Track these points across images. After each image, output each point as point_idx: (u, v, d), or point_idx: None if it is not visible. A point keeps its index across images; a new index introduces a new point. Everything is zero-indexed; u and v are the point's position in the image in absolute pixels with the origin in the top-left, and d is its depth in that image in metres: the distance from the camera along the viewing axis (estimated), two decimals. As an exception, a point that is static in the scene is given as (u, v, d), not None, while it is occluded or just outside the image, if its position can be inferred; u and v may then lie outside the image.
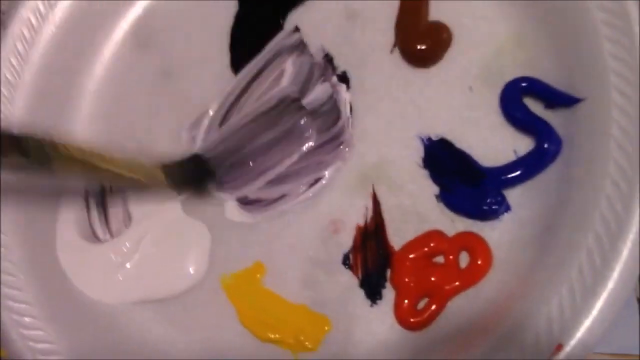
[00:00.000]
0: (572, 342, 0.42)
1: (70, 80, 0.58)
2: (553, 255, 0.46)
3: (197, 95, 0.56)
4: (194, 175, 0.55)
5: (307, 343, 0.50)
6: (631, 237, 0.43)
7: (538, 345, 0.43)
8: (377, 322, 0.50)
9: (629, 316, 0.56)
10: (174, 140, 0.56)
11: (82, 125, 0.58)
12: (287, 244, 0.52)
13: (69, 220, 0.56)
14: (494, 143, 0.50)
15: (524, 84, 0.50)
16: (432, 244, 0.49)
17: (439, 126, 0.52)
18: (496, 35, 0.52)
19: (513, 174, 0.49)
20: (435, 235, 0.50)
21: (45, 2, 0.57)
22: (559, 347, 0.42)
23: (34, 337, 0.51)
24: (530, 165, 0.49)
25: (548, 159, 0.48)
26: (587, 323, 0.42)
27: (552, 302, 0.44)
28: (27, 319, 0.52)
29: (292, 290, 0.52)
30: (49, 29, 0.58)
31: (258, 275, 0.52)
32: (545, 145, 0.48)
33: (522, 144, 0.50)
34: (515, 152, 0.49)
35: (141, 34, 0.59)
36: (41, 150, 0.43)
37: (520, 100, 0.50)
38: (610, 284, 0.42)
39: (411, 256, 0.49)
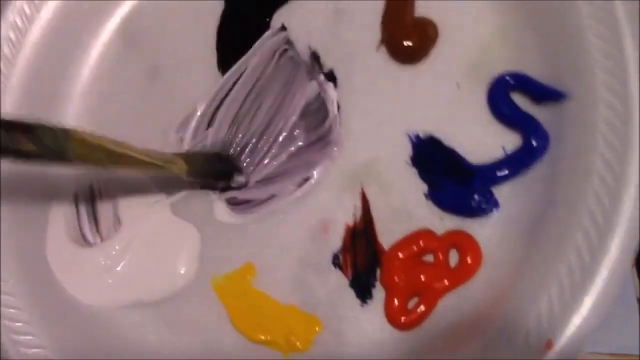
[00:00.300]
0: (562, 339, 0.42)
1: (58, 81, 0.57)
2: (542, 252, 0.46)
3: (185, 95, 0.56)
4: (218, 168, 0.54)
5: (297, 343, 0.50)
6: (619, 232, 0.43)
7: (528, 343, 0.43)
8: (367, 321, 0.49)
9: (629, 316, 0.56)
10: (162, 140, 0.55)
11: (70, 125, 0.57)
12: (276, 245, 0.52)
13: (59, 224, 0.56)
14: (482, 140, 0.50)
15: (511, 80, 0.50)
16: (421, 243, 0.49)
17: (427, 123, 0.51)
18: (483, 30, 0.52)
19: (501, 171, 0.49)
20: (424, 234, 0.49)
21: (31, 3, 0.57)
22: (549, 344, 0.42)
23: (24, 343, 0.51)
24: (518, 162, 0.49)
25: (536, 156, 0.48)
26: (576, 320, 0.42)
27: (541, 299, 0.44)
28: (17, 324, 0.51)
29: (282, 290, 0.51)
30: (35, 31, 0.57)
31: (248, 276, 0.52)
32: (533, 142, 0.48)
33: (510, 141, 0.49)
34: (503, 148, 0.49)
35: (128, 34, 0.59)
36: (55, 138, 0.43)
37: (507, 96, 0.49)
38: (599, 280, 0.42)
39: (400, 255, 0.49)
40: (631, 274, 0.56)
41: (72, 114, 0.58)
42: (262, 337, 0.51)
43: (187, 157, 0.52)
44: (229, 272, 0.53)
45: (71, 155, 0.43)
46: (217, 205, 0.54)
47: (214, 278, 0.53)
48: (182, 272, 0.53)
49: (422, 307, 0.48)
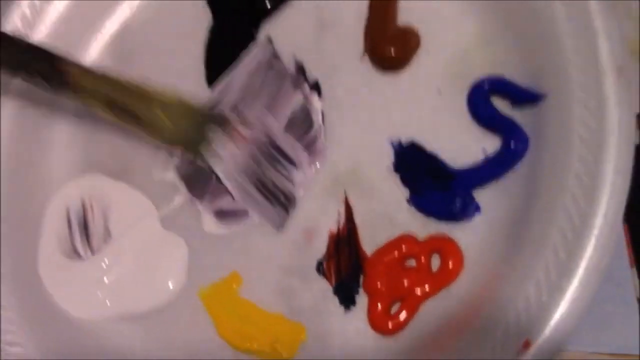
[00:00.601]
0: (539, 339, 0.42)
1: (49, 99, 0.58)
2: (522, 253, 0.46)
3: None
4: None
5: (283, 351, 0.50)
6: (595, 232, 0.43)
7: (506, 344, 0.43)
8: (352, 327, 0.50)
9: (629, 316, 0.56)
10: (152, 154, 0.56)
11: (62, 143, 0.58)
12: (262, 254, 0.53)
13: (51, 238, 0.56)
14: (463, 144, 0.50)
15: (489, 84, 0.50)
16: (403, 248, 0.49)
17: (409, 130, 0.52)
18: (462, 37, 0.52)
19: (482, 175, 0.49)
20: (406, 239, 0.50)
21: (25, 23, 0.58)
22: (527, 343, 0.42)
23: (14, 354, 0.51)
24: (498, 165, 0.49)
25: (516, 158, 0.48)
26: (554, 319, 0.43)
27: (519, 300, 0.44)
28: (8, 337, 0.52)
29: (268, 299, 0.52)
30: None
31: (234, 286, 0.52)
32: (513, 144, 0.48)
33: (491, 144, 0.50)
34: (484, 151, 0.49)
35: (117, 52, 0.60)
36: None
37: (487, 100, 0.50)
38: (576, 280, 0.42)
39: (383, 261, 0.49)
40: (631, 274, 0.56)
41: (63, 130, 0.59)
42: (249, 346, 0.51)
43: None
44: (215, 282, 0.53)
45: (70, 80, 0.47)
46: (205, 217, 0.54)
47: (201, 288, 0.53)
48: (171, 284, 0.53)
49: (404, 312, 0.48)
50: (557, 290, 0.43)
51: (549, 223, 0.45)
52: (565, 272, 0.43)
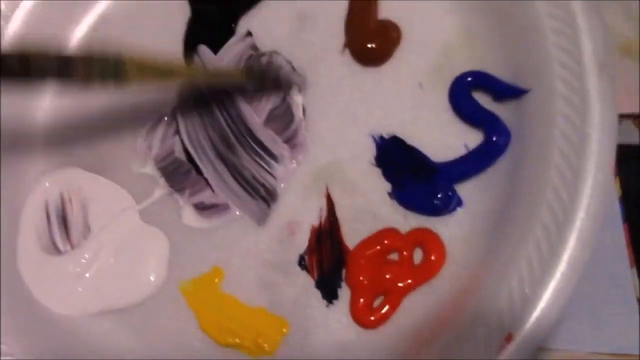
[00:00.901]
0: (522, 333, 0.42)
1: (25, 94, 0.57)
2: (504, 248, 0.46)
3: (152, 104, 0.56)
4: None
5: (265, 346, 0.50)
6: (578, 225, 0.43)
7: (489, 337, 0.43)
8: (334, 321, 0.50)
9: (629, 316, 0.56)
10: (131, 147, 0.56)
11: (40, 138, 0.58)
12: (243, 248, 0.52)
13: (30, 233, 0.56)
14: (444, 138, 0.51)
15: (471, 78, 0.50)
16: (385, 242, 0.50)
17: (390, 124, 0.52)
18: (444, 31, 0.53)
19: (464, 168, 0.49)
20: (388, 232, 0.50)
21: None
22: (509, 337, 0.42)
23: (-6, 352, 0.51)
24: (480, 159, 0.49)
25: (497, 152, 0.49)
26: (536, 312, 0.43)
27: (502, 293, 0.44)
28: (-13, 334, 0.51)
29: (249, 293, 0.52)
30: (3, 41, 0.57)
31: (216, 280, 0.52)
32: (494, 138, 0.49)
33: (473, 138, 0.50)
34: (466, 146, 0.50)
35: (95, 44, 0.59)
36: (111, 65, 0.47)
37: (468, 95, 0.50)
38: (558, 274, 0.43)
39: (365, 254, 0.50)
40: (631, 274, 0.57)
41: (42, 126, 0.58)
42: (231, 341, 0.51)
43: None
44: (196, 277, 0.53)
45: (128, 77, 0.47)
46: (185, 211, 0.54)
47: (182, 283, 0.53)
48: (152, 278, 0.53)
49: (387, 306, 0.48)
50: (539, 284, 0.43)
51: (532, 217, 0.45)
52: (547, 265, 0.43)
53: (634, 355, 0.54)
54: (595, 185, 0.44)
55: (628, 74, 0.63)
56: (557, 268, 0.43)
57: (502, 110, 0.49)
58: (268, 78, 0.54)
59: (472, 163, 0.49)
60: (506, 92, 0.49)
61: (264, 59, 0.55)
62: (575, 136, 0.45)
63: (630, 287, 0.57)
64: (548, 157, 0.45)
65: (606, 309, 0.57)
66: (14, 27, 0.58)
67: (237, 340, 0.51)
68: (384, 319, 0.49)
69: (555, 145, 0.45)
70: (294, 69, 0.55)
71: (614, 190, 0.58)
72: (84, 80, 0.46)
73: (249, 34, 0.56)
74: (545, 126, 0.46)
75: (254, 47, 0.56)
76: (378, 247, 0.49)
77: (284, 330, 0.50)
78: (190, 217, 0.54)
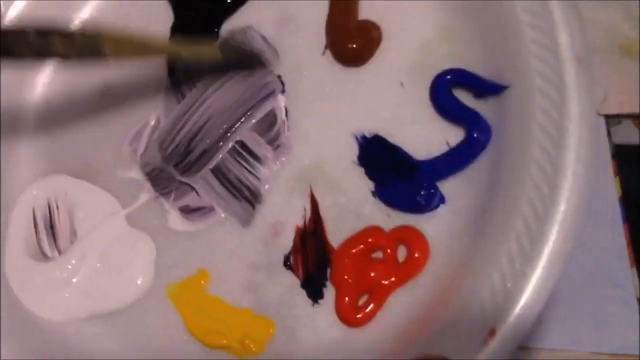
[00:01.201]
0: (505, 326, 0.42)
1: (12, 99, 0.58)
2: (486, 242, 0.46)
3: (137, 109, 0.57)
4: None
5: (252, 346, 0.50)
6: (558, 218, 0.43)
7: (472, 332, 0.44)
8: (320, 320, 0.50)
9: (629, 316, 0.57)
10: (116, 153, 0.56)
11: (26, 143, 0.58)
12: (229, 250, 0.53)
13: (17, 240, 0.56)
14: (426, 136, 0.51)
15: (451, 76, 0.51)
16: (369, 240, 0.50)
17: (372, 123, 0.53)
18: (424, 30, 0.53)
19: (445, 165, 0.50)
20: (372, 231, 0.50)
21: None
22: (492, 332, 0.42)
23: (-18, 358, 0.51)
24: (461, 156, 0.50)
25: (479, 148, 0.49)
26: (518, 306, 0.43)
27: (484, 288, 0.44)
28: (-24, 341, 0.51)
29: (235, 294, 0.52)
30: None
31: (202, 282, 0.53)
32: (475, 135, 0.49)
33: (454, 135, 0.50)
34: (447, 143, 0.50)
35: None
36: (89, 40, 0.47)
37: (449, 92, 0.51)
38: (539, 267, 0.43)
39: (350, 253, 0.50)
40: (631, 274, 0.57)
41: (28, 132, 0.58)
42: (218, 342, 0.51)
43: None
44: (183, 279, 0.53)
45: (106, 52, 0.48)
46: (170, 215, 0.54)
47: (169, 285, 0.53)
48: (139, 281, 0.53)
49: (372, 304, 0.49)
50: (521, 277, 0.43)
51: (513, 211, 0.45)
52: (528, 259, 0.43)
53: (634, 355, 0.55)
54: (575, 178, 0.44)
55: (628, 74, 0.63)
56: (539, 262, 0.43)
57: (482, 106, 0.50)
58: (243, 52, 0.55)
59: (454, 160, 0.50)
60: (486, 88, 0.49)
61: (238, 35, 0.56)
62: (554, 130, 0.45)
63: (630, 287, 0.57)
64: (528, 152, 0.46)
65: (606, 309, 0.57)
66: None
67: (224, 341, 0.51)
68: (369, 316, 0.49)
69: (535, 140, 0.45)
70: (267, 43, 0.55)
71: (614, 190, 0.59)
72: (63, 56, 0.47)
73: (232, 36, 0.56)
74: (525, 121, 0.46)
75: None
76: (362, 246, 0.50)
77: (270, 330, 0.51)
78: (176, 220, 0.54)
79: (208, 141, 0.54)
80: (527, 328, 0.43)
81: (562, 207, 0.43)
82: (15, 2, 0.59)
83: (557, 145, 0.44)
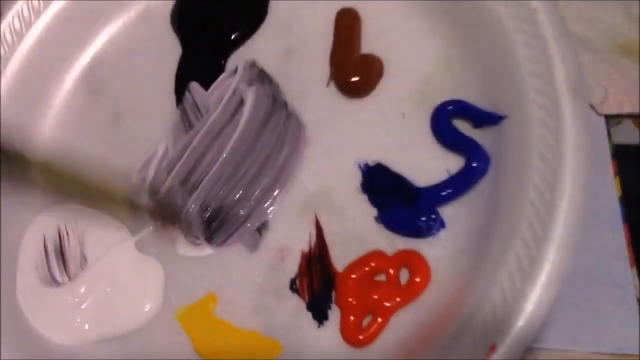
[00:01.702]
0: (506, 342, 0.44)
1: (23, 128, 0.59)
2: (487, 264, 0.48)
3: (147, 138, 0.59)
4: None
5: (251, 366, 0.51)
6: (556, 239, 0.45)
7: (474, 348, 0.45)
8: (325, 341, 0.51)
9: (629, 316, 0.57)
10: (126, 181, 0.58)
11: (37, 175, 0.59)
12: (236, 274, 0.54)
13: (28, 266, 0.57)
14: (427, 164, 0.53)
15: (451, 107, 0.53)
16: (373, 264, 0.51)
17: (375, 152, 0.54)
18: (424, 63, 0.55)
19: (445, 192, 0.52)
20: (375, 255, 0.52)
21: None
22: (493, 347, 0.44)
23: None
24: (461, 183, 0.51)
25: (477, 176, 0.51)
26: (519, 322, 0.44)
27: (486, 306, 0.45)
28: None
29: (243, 317, 0.53)
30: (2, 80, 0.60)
31: (210, 305, 0.54)
32: (474, 164, 0.51)
33: (454, 163, 0.52)
34: (447, 171, 0.52)
35: (90, 83, 0.62)
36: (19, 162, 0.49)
37: (448, 122, 0.52)
38: (538, 286, 0.44)
39: (353, 276, 0.51)
40: (631, 274, 0.57)
41: (38, 160, 0.60)
42: (225, 363, 0.52)
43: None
44: (191, 303, 0.54)
45: (34, 179, 0.49)
46: (179, 241, 0.56)
47: (178, 310, 0.54)
48: (148, 305, 0.55)
49: (375, 325, 0.50)
50: (521, 296, 0.44)
51: (512, 233, 0.47)
52: (528, 278, 0.45)
53: (634, 355, 0.55)
54: (572, 201, 0.46)
55: (628, 74, 0.63)
56: (538, 280, 0.44)
57: (481, 136, 0.52)
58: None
59: (454, 187, 0.51)
60: (485, 119, 0.51)
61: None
62: (552, 157, 0.47)
63: (630, 287, 0.57)
64: (526, 177, 0.47)
65: (606, 309, 0.57)
66: (11, 68, 0.60)
67: (232, 362, 0.52)
68: (373, 337, 0.50)
69: (533, 167, 0.47)
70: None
71: (614, 190, 0.59)
72: None
73: (236, 70, 0.58)
74: (523, 149, 0.48)
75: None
76: (366, 269, 0.51)
77: (277, 351, 0.52)
78: (184, 247, 0.56)
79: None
80: (527, 342, 0.44)
81: (559, 229, 0.45)
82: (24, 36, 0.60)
83: (554, 171, 0.46)
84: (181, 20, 0.62)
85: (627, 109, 0.63)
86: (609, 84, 0.63)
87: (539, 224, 0.46)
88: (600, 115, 0.63)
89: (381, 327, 0.50)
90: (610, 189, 0.60)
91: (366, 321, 0.51)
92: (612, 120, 0.63)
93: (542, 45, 0.49)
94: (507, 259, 0.46)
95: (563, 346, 0.56)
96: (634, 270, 0.57)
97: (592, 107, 0.62)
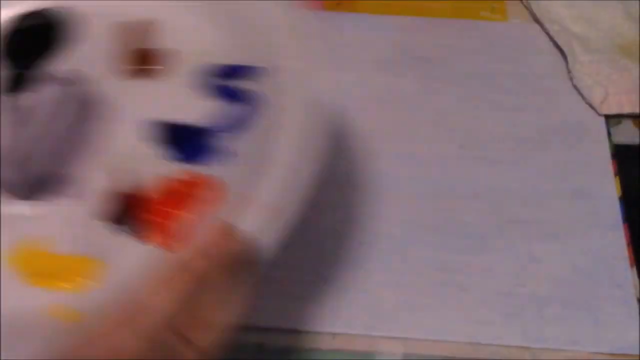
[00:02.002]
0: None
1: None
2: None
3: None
4: None
5: (82, 283, 0.55)
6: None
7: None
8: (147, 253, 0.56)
9: (629, 316, 0.60)
10: None
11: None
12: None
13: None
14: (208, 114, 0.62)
15: (215, 69, 0.64)
16: (171, 187, 0.58)
17: (165, 116, 0.63)
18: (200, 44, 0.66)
19: (227, 127, 0.61)
20: (171, 181, 0.59)
21: None
22: None
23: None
24: (236, 119, 0.61)
25: (251, 115, 0.61)
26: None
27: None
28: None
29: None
30: None
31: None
32: (245, 106, 0.61)
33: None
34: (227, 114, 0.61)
35: None
36: None
37: (219, 81, 0.64)
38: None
39: (156, 199, 0.58)
40: (631, 274, 0.62)
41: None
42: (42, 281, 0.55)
43: None
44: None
45: None
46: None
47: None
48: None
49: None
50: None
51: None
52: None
53: (634, 355, 0.57)
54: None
55: (628, 73, 0.67)
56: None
57: (249, 86, 0.62)
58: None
59: (232, 126, 0.61)
60: (245, 73, 0.62)
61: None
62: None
63: (630, 287, 0.60)
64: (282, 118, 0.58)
65: (606, 309, 0.60)
66: None
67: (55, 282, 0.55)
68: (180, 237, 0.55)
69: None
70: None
71: (614, 190, 0.62)
72: None
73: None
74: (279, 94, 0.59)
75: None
76: (165, 192, 0.58)
77: (99, 266, 0.55)
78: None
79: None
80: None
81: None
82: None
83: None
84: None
85: (627, 109, 0.67)
86: (609, 84, 0.67)
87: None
88: (600, 115, 0.66)
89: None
90: (610, 189, 0.64)
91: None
92: (612, 120, 0.67)
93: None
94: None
95: (563, 346, 0.60)
96: (634, 270, 0.62)
97: (592, 107, 0.65)
